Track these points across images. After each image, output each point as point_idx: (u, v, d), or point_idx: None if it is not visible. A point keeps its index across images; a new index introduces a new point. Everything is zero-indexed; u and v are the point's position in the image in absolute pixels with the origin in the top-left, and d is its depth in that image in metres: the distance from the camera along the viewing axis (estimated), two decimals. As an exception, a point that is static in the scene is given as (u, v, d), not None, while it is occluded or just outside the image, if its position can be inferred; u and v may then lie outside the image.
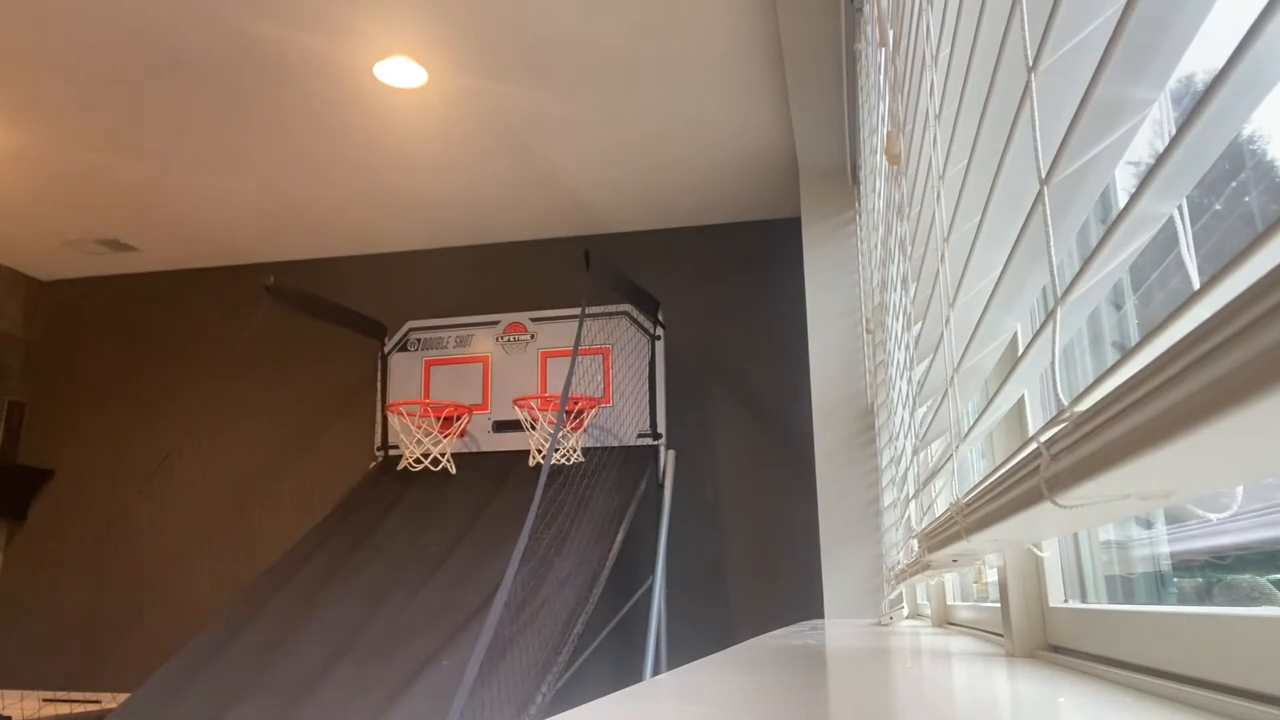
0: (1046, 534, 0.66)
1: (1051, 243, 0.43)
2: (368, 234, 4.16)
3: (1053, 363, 0.42)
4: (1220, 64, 0.31)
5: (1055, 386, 0.41)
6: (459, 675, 2.31)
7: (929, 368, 0.98)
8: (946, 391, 0.85)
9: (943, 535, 0.85)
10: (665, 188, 3.72)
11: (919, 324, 1.04)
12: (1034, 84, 0.46)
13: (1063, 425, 0.39)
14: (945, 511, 0.84)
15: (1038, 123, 0.46)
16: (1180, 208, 0.40)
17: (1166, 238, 0.42)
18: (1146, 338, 0.32)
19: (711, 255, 4.02)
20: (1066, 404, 0.39)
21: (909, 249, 1.15)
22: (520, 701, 2.26)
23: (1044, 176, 0.44)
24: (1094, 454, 0.35)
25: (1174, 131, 0.32)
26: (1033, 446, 0.46)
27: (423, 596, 2.87)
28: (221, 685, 2.54)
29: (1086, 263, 0.39)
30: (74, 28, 2.66)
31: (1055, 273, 0.43)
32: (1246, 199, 0.66)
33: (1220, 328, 0.25)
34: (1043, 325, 0.45)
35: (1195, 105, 0.31)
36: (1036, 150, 0.45)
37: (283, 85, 2.96)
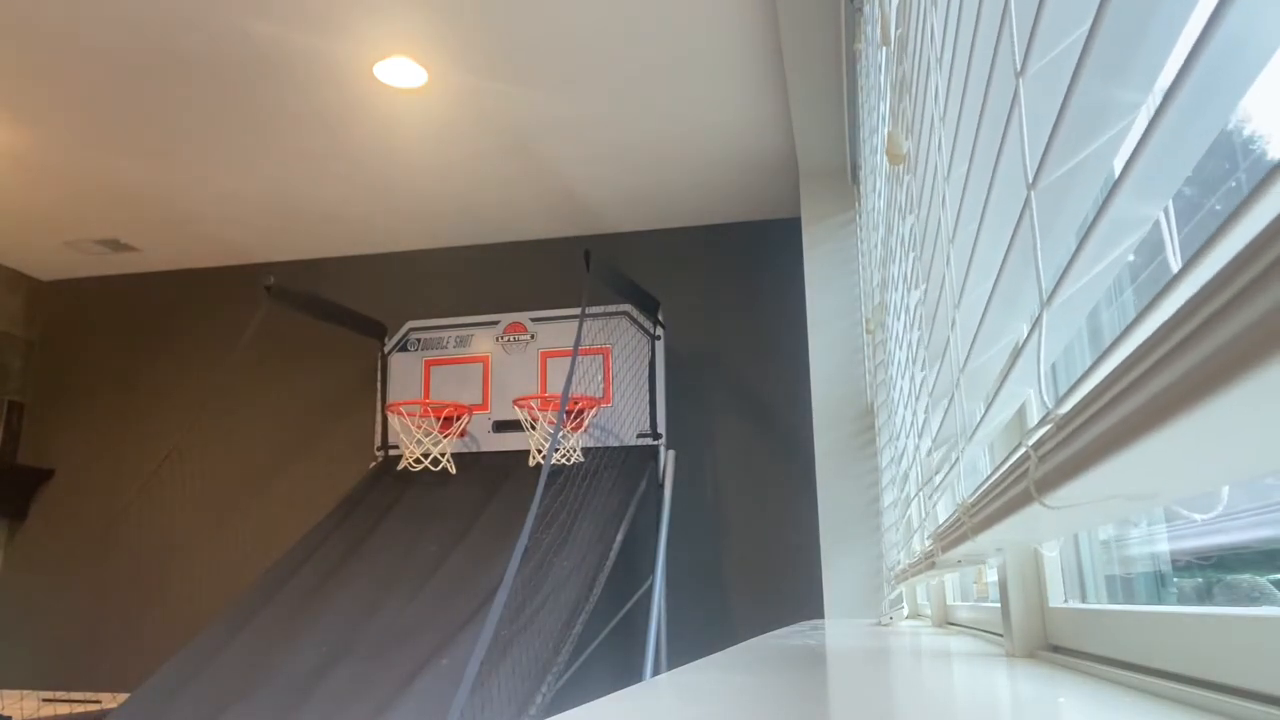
0: (1045, 535, 0.66)
1: (1038, 247, 0.44)
2: (368, 234, 4.16)
3: (1038, 366, 0.42)
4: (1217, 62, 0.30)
5: (1040, 390, 0.41)
6: (459, 675, 2.31)
7: (939, 369, 0.99)
8: (953, 394, 0.85)
9: (953, 535, 0.86)
10: (665, 188, 3.72)
11: (929, 326, 1.04)
12: (1021, 89, 0.46)
13: (1048, 428, 0.40)
14: (954, 512, 0.84)
15: (1025, 128, 0.46)
16: (1167, 209, 0.40)
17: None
18: (1118, 339, 0.33)
19: (711, 255, 4.02)
20: (1051, 407, 0.40)
21: (919, 249, 1.15)
22: (520, 701, 2.27)
23: (1031, 182, 0.44)
24: (1075, 455, 0.35)
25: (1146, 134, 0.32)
26: (1023, 449, 0.46)
27: (422, 596, 2.87)
28: (221, 685, 2.54)
29: (1068, 266, 0.39)
30: (74, 28, 2.67)
31: (1041, 277, 0.43)
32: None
33: (1184, 322, 0.25)
34: (1031, 330, 0.46)
35: (1159, 105, 0.31)
36: (1024, 155, 0.46)
37: (283, 85, 2.96)
